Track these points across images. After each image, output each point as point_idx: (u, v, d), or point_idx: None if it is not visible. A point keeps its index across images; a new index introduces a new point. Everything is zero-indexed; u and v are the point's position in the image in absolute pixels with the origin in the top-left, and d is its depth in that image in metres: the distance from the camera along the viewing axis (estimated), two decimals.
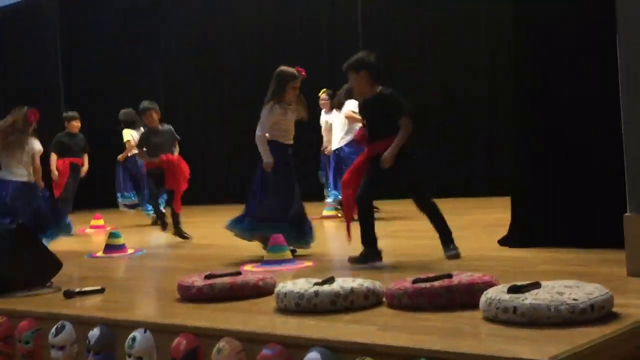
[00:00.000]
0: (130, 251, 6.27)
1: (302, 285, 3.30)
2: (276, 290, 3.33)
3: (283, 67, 5.38)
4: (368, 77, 4.63)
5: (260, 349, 2.80)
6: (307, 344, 2.72)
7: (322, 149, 9.06)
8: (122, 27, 14.02)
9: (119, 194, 9.66)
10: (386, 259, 4.59)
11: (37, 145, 6.58)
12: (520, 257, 4.45)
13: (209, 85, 13.15)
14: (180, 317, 3.31)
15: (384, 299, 3.25)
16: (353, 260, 4.55)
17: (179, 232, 6.96)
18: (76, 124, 9.35)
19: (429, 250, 4.78)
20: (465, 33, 10.37)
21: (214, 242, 6.66)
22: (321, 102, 8.96)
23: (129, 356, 3.20)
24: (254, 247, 5.39)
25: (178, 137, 7.50)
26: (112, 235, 6.36)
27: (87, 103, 13.31)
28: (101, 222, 9.45)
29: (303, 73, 5.36)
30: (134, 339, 3.21)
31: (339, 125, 8.37)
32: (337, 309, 3.14)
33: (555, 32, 4.71)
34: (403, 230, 6.63)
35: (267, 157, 5.26)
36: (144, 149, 7.39)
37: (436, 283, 3.12)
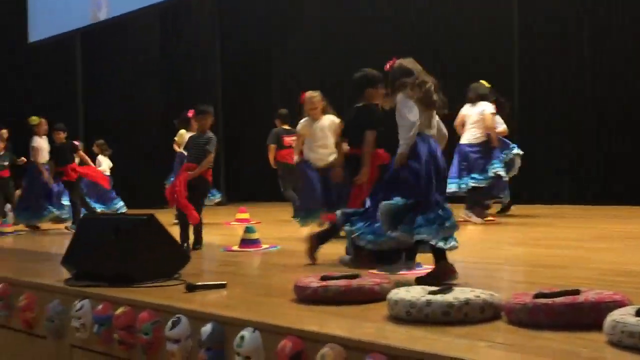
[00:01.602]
0: (264, 246, 6.31)
1: (416, 293, 3.14)
2: (388, 296, 3.20)
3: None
4: None
5: (364, 358, 2.69)
6: (411, 356, 2.58)
7: None
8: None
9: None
10: (517, 268, 4.33)
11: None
12: None
13: None
14: (289, 318, 3.24)
15: (503, 313, 3.04)
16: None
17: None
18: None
19: (568, 261, 4.49)
20: None
21: None
22: None
23: (238, 354, 3.16)
24: None
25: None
26: (247, 229, 6.42)
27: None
28: (246, 215, 9.63)
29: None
30: (242, 337, 3.17)
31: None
32: (450, 320, 2.96)
33: None
34: (543, 238, 6.29)
35: None
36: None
37: (559, 299, 2.88)
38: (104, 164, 11.75)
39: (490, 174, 8.20)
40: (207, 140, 6.55)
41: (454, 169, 8.28)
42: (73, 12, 15.14)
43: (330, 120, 7.00)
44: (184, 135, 9.13)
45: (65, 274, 4.71)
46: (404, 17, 12.06)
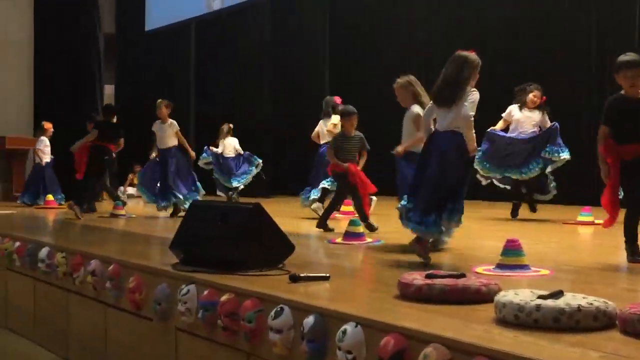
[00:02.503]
0: (368, 240, 6.28)
1: (525, 296, 3.04)
2: (496, 298, 3.11)
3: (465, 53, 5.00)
4: None
5: None
6: None
7: None
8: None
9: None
10: (637, 276, 4.14)
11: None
12: None
13: None
14: (393, 315, 3.20)
15: (617, 322, 2.90)
16: None
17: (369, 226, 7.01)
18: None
19: None
20: None
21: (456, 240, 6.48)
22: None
23: (339, 349, 3.14)
24: (496, 249, 5.15)
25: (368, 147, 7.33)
26: (351, 223, 6.40)
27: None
28: (351, 208, 9.60)
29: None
30: (344, 331, 3.15)
31: None
32: (561, 327, 2.85)
33: None
34: None
35: None
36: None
37: None
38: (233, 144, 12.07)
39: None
40: (360, 139, 7.08)
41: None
42: (188, 1, 15.50)
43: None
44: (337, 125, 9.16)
45: (173, 258, 4.81)
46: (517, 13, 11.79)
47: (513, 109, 8.65)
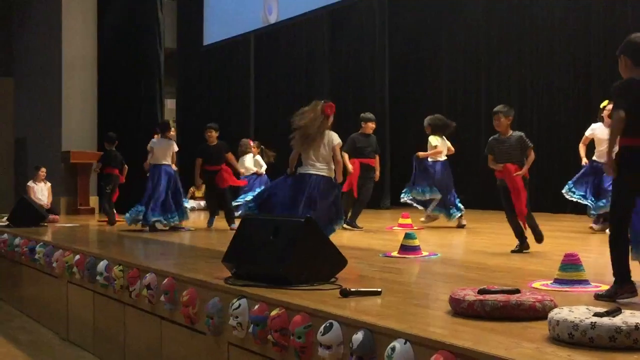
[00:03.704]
0: (424, 254, 6.19)
1: (580, 313, 2.93)
2: (549, 315, 3.00)
3: None
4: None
5: None
6: None
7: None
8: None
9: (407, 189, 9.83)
10: None
11: (336, 139, 6.57)
12: None
13: None
14: (443, 332, 3.12)
15: None
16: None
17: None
18: (372, 125, 9.63)
19: None
20: None
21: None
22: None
23: None
24: (552, 262, 5.01)
25: (530, 144, 6.72)
26: (407, 236, 6.32)
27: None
28: (408, 220, 9.52)
29: None
30: (393, 348, 3.09)
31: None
32: (617, 346, 2.74)
33: None
34: None
35: None
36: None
37: None
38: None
39: None
40: (520, 138, 6.58)
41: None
42: (245, 16, 15.64)
43: None
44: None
45: (226, 272, 4.81)
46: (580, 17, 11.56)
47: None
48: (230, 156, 10.19)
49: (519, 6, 12.64)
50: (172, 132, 10.52)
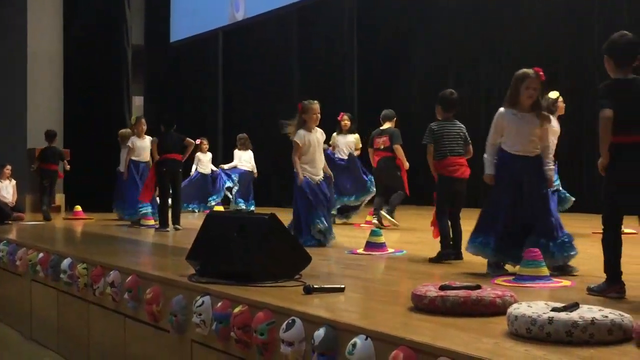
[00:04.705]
0: (390, 250, 6.21)
1: (538, 309, 2.97)
2: (508, 311, 3.03)
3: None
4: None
5: None
6: None
7: None
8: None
9: None
10: None
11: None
12: None
13: None
14: (403, 328, 3.14)
15: (633, 336, 2.81)
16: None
17: None
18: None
19: None
20: None
21: None
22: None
23: None
24: None
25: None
26: (373, 233, 6.34)
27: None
28: (372, 218, 9.53)
29: (540, 73, 4.83)
30: (354, 345, 3.10)
31: None
32: (574, 341, 2.77)
33: None
34: None
35: (487, 168, 4.93)
36: None
37: None
38: (236, 158, 12.32)
39: None
40: None
41: None
42: (212, 13, 15.57)
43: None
44: None
45: (191, 269, 4.79)
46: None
47: None
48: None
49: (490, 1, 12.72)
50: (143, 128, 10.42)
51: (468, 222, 5.38)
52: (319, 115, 7.04)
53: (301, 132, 6.93)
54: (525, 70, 4.84)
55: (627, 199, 3.93)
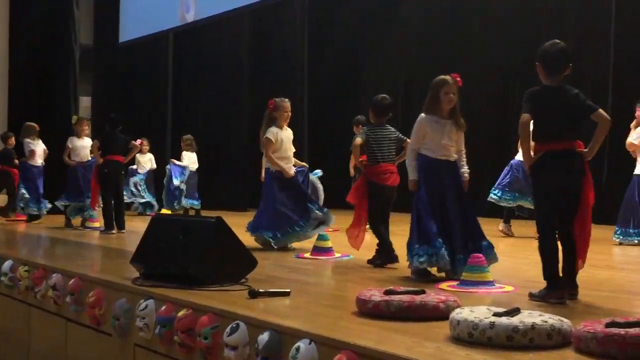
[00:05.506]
0: (337, 255, 6.21)
1: (481, 313, 3.00)
2: (451, 316, 3.06)
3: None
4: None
5: None
6: None
7: None
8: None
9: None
10: (596, 293, 4.11)
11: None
12: None
13: None
14: (347, 332, 3.14)
15: (572, 341, 2.86)
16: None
17: None
18: None
19: None
20: None
21: None
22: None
23: None
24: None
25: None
26: (320, 237, 6.35)
27: None
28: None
29: (458, 79, 4.95)
30: (298, 349, 3.09)
31: None
32: (514, 345, 2.81)
33: None
34: (635, 262, 5.98)
35: (410, 173, 5.01)
36: None
37: (633, 330, 2.68)
38: (186, 159, 12.34)
39: None
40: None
41: None
42: (162, 14, 15.42)
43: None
44: None
45: (135, 273, 4.73)
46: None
47: None
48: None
49: (449, 4, 12.78)
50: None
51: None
52: (290, 114, 7.05)
53: (273, 129, 6.94)
54: (443, 76, 4.97)
55: (550, 205, 4.03)
